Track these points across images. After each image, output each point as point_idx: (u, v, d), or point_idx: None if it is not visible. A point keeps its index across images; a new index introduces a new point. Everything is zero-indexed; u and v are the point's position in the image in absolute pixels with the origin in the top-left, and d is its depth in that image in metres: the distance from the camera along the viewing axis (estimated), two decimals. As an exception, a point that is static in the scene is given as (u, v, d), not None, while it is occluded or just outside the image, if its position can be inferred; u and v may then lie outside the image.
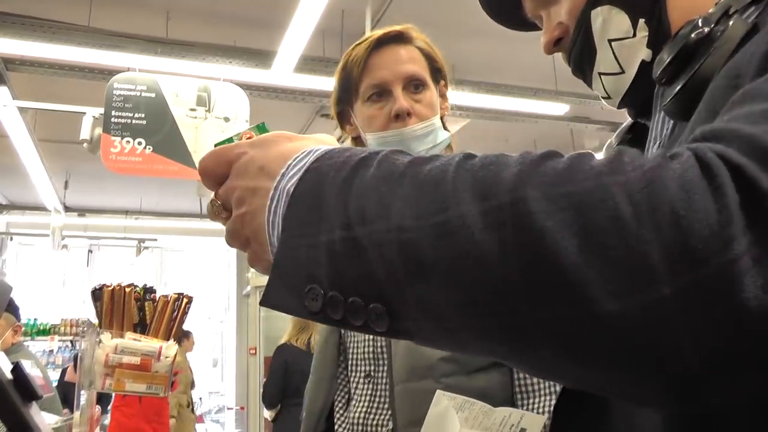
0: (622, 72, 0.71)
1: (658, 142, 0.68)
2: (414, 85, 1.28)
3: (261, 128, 0.67)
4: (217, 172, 0.60)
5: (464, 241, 0.43)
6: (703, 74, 0.55)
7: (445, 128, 1.37)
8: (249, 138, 0.63)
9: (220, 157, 0.60)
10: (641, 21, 0.69)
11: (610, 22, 0.70)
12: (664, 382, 0.40)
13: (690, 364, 0.39)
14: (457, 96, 4.77)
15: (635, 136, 0.79)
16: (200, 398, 10.92)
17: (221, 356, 11.91)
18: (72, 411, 1.53)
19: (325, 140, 0.59)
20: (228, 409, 10.58)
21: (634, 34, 0.69)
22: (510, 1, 0.84)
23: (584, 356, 0.42)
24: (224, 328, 11.73)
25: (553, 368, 0.45)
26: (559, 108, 5.43)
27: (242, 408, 9.83)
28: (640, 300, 0.39)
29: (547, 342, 0.42)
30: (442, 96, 1.38)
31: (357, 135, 1.37)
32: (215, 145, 0.63)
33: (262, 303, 0.52)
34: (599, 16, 0.70)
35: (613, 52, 0.71)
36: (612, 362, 0.41)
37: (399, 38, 1.31)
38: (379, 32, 1.31)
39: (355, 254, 0.47)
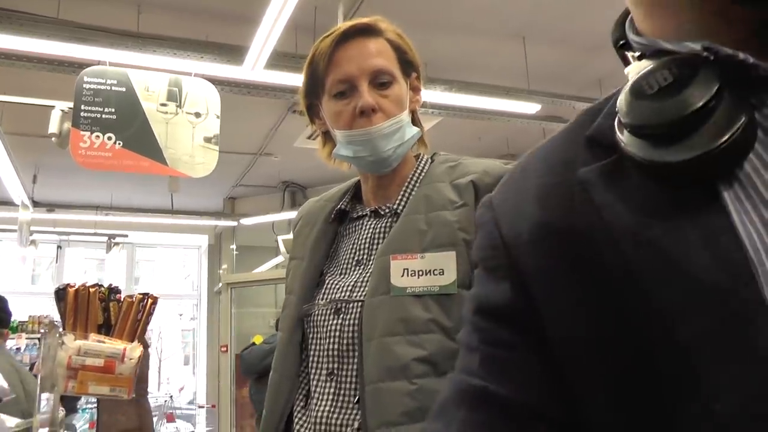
0: None
1: None
2: (381, 80, 1.25)
3: None
4: None
5: None
6: None
7: (416, 122, 1.34)
8: None
9: None
10: None
11: None
12: None
13: None
14: (429, 94, 4.76)
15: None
16: (171, 396, 10.87)
17: (192, 354, 11.85)
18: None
19: None
20: (199, 407, 10.52)
21: None
22: None
23: None
24: (196, 326, 11.67)
25: None
26: (531, 107, 5.46)
27: (213, 406, 9.77)
28: None
29: None
30: (414, 89, 1.35)
31: (326, 129, 1.35)
32: None
33: None
34: None
35: None
36: None
37: (367, 30, 1.27)
38: (346, 24, 1.27)
39: None
